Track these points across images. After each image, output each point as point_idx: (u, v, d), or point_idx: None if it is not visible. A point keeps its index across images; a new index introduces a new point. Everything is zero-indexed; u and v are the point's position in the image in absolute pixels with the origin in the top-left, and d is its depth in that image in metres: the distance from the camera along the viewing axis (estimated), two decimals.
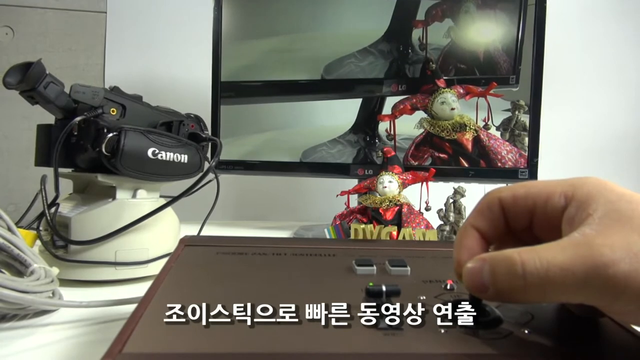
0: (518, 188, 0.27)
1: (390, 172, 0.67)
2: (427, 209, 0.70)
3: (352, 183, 0.80)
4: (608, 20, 1.19)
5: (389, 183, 0.66)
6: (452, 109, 0.78)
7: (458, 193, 0.76)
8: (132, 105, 0.54)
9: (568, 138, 1.18)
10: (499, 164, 0.80)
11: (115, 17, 1.22)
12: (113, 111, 0.52)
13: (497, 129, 0.81)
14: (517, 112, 0.80)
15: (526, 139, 0.80)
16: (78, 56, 1.20)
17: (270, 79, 0.92)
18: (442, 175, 0.80)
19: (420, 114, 0.81)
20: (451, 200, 0.76)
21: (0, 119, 1.17)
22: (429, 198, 0.70)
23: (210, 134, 0.60)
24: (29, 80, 0.47)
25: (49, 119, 0.54)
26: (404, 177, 0.68)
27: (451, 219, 0.75)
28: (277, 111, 0.92)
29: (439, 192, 0.76)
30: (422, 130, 0.81)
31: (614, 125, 1.19)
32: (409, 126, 0.82)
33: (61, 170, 0.51)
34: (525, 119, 0.80)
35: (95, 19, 1.21)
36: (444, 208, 0.77)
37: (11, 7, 1.17)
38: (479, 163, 0.80)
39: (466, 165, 0.80)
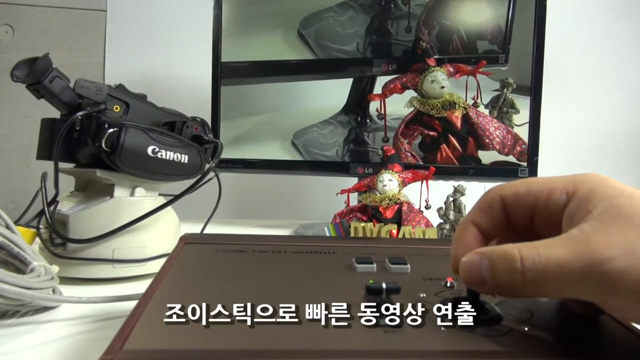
0: (519, 185, 0.27)
1: (390, 171, 0.67)
2: (427, 207, 0.71)
3: (352, 181, 0.80)
4: (608, 20, 1.19)
5: (389, 181, 0.66)
6: (442, 87, 0.79)
7: (458, 191, 0.76)
8: (136, 104, 0.54)
9: (568, 137, 1.18)
10: (487, 140, 0.80)
11: (115, 15, 1.21)
12: (116, 108, 0.52)
13: (486, 106, 0.81)
14: (505, 90, 0.80)
15: (514, 116, 0.81)
16: (78, 54, 1.20)
17: (260, 59, 0.91)
18: (442, 173, 0.80)
19: (410, 94, 0.81)
20: (451, 199, 0.76)
21: (1, 117, 1.17)
22: (429, 196, 0.70)
23: (210, 126, 0.59)
24: (36, 73, 0.47)
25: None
26: (404, 176, 0.68)
27: (451, 217, 0.75)
28: (269, 93, 0.92)
29: (439, 190, 0.76)
30: (412, 108, 0.82)
31: (615, 125, 1.19)
32: (399, 106, 0.82)
33: (62, 166, 0.51)
34: (513, 96, 0.80)
35: (96, 17, 1.21)
36: (443, 206, 0.77)
37: (11, 5, 1.17)
38: (467, 140, 0.81)
39: (455, 142, 0.81)
